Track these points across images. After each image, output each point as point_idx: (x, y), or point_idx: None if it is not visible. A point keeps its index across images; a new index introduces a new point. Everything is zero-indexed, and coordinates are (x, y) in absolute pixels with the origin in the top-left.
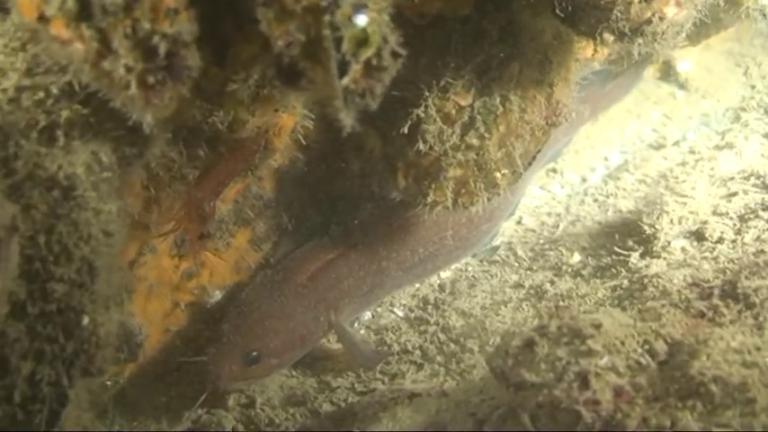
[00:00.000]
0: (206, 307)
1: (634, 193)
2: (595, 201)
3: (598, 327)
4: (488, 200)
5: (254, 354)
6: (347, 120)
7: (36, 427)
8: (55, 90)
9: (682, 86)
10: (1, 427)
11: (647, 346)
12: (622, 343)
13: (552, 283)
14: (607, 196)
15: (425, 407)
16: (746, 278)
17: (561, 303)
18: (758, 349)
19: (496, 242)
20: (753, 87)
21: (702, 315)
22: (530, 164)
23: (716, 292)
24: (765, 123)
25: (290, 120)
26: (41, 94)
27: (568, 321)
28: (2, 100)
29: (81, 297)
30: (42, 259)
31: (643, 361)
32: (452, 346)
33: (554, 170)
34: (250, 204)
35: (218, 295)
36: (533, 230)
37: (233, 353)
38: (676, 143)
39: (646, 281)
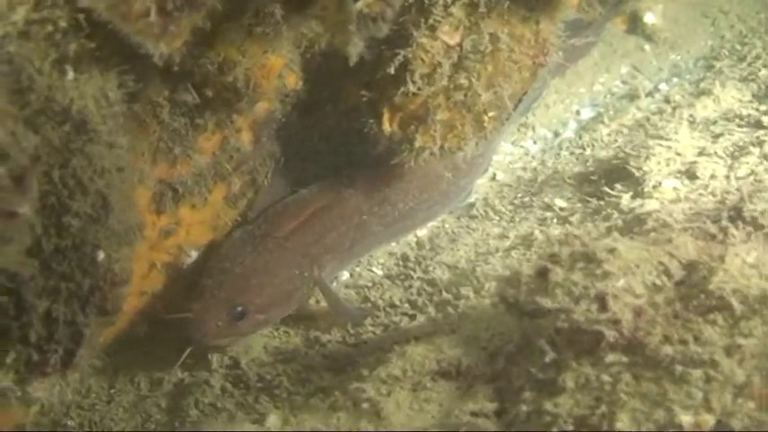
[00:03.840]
0: (182, 268)
1: (612, 144)
2: (572, 154)
3: (612, 251)
4: (476, 144)
5: (240, 309)
6: (357, 47)
7: (52, 368)
8: (63, 23)
9: (649, 38)
10: (15, 368)
11: (662, 267)
12: (637, 266)
13: (540, 231)
14: (583, 148)
15: (435, 344)
16: (751, 203)
17: (570, 232)
18: None
19: (471, 199)
20: (722, 37)
21: (713, 237)
22: (516, 106)
23: (723, 215)
24: (740, 69)
25: (278, 61)
26: (50, 28)
27: (580, 248)
28: (11, 33)
29: (96, 232)
30: (57, 194)
31: (659, 282)
32: (444, 294)
33: (525, 125)
34: (227, 157)
35: (194, 255)
36: (509, 185)
37: (218, 308)
38: (650, 94)
39: (643, 217)
